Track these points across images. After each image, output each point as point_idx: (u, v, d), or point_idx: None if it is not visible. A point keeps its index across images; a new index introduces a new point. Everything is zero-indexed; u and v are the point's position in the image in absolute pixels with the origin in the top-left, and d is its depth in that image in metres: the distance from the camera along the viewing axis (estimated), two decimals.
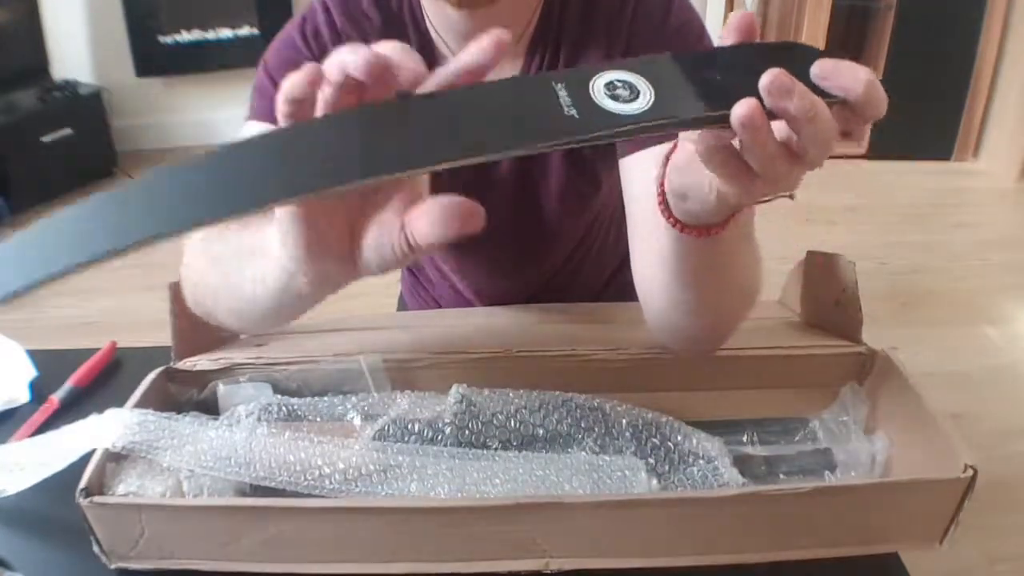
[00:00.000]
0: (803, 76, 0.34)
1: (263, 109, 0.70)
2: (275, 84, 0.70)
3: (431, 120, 0.31)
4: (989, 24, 2.82)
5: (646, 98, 0.33)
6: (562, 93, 0.32)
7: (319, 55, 0.71)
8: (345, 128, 0.32)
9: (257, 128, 0.71)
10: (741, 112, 0.33)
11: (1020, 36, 2.80)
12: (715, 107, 0.34)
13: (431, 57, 0.73)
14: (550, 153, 0.74)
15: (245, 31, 3.00)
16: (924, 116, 2.95)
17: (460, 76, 0.33)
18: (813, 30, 2.85)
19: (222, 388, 0.66)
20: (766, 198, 0.40)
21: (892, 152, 2.96)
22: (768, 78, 0.33)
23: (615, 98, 0.32)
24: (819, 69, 0.34)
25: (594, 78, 0.32)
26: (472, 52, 0.33)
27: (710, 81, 0.34)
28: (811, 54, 0.35)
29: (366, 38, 0.72)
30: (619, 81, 0.33)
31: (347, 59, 0.32)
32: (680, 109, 0.33)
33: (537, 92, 0.32)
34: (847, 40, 3.06)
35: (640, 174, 0.68)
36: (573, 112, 0.31)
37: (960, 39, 2.84)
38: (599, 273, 0.94)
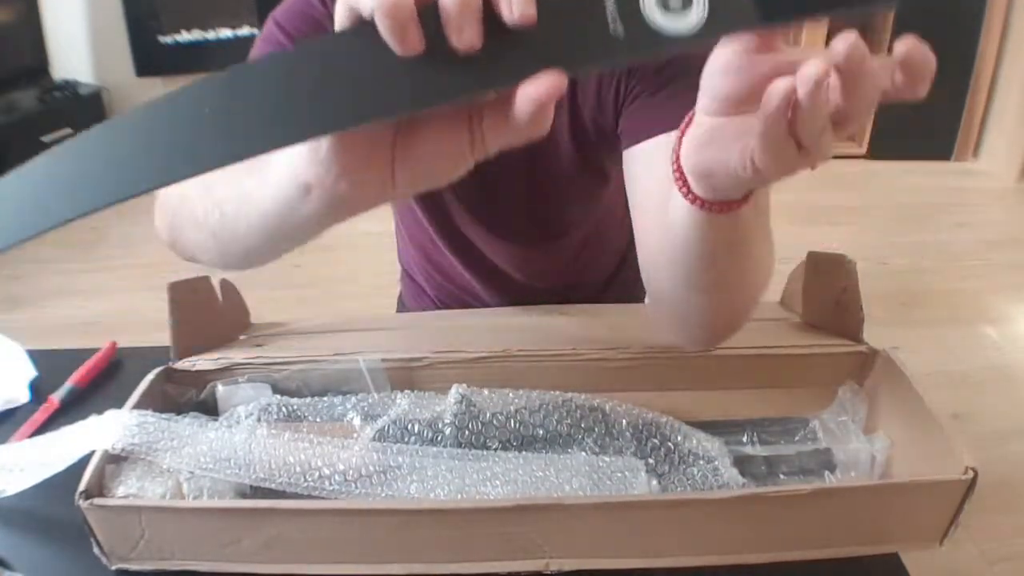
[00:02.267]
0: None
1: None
2: (284, 32, 0.66)
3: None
4: (989, 24, 2.82)
5: (700, 8, 0.29)
6: (609, 3, 0.29)
7: (332, 10, 0.69)
8: (381, 52, 0.29)
9: None
10: (813, 73, 0.30)
11: (1020, 36, 2.80)
12: (775, 18, 0.30)
13: None
14: (559, 150, 0.74)
15: (245, 31, 3.00)
16: (924, 116, 2.95)
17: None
18: (812, 31, 2.85)
19: (221, 389, 0.66)
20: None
21: (892, 152, 2.97)
22: (845, 45, 0.30)
23: (665, 7, 0.29)
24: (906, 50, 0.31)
25: None
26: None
27: None
28: None
29: None
30: None
31: None
32: (736, 22, 0.30)
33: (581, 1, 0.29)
34: None
35: (646, 164, 0.66)
36: (619, 30, 0.29)
37: (960, 39, 2.84)
38: (602, 270, 0.94)
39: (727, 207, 0.44)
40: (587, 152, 0.73)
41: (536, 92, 0.29)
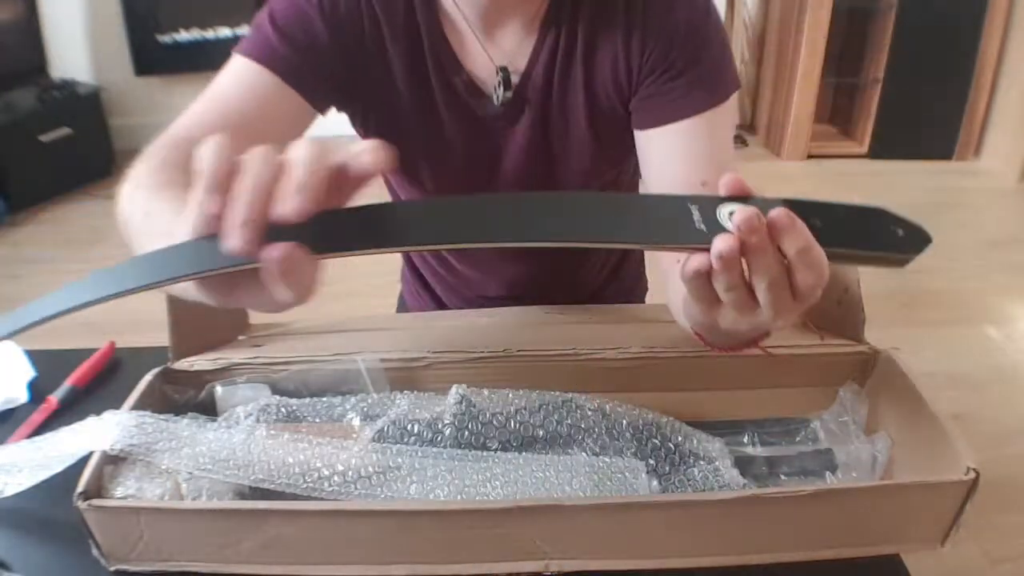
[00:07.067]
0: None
1: (257, 49, 0.67)
2: (275, 28, 0.67)
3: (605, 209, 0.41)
4: (990, 23, 2.81)
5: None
6: (696, 215, 0.40)
7: (329, 13, 0.69)
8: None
9: (245, 67, 0.67)
10: (721, 248, 0.39)
11: (1022, 35, 2.80)
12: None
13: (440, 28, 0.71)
14: (577, 143, 0.76)
15: (243, 30, 2.99)
16: (925, 116, 2.95)
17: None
18: (814, 30, 2.85)
19: (220, 389, 0.66)
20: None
21: (894, 152, 2.97)
22: (741, 217, 0.39)
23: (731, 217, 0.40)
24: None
25: (719, 207, 0.41)
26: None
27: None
28: (890, 219, 0.41)
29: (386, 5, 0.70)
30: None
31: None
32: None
33: (676, 208, 0.41)
34: (848, 40, 3.06)
35: (658, 146, 0.71)
36: (703, 227, 0.40)
37: (961, 38, 2.84)
38: (602, 266, 0.94)
39: (735, 349, 0.56)
40: (600, 130, 0.74)
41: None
